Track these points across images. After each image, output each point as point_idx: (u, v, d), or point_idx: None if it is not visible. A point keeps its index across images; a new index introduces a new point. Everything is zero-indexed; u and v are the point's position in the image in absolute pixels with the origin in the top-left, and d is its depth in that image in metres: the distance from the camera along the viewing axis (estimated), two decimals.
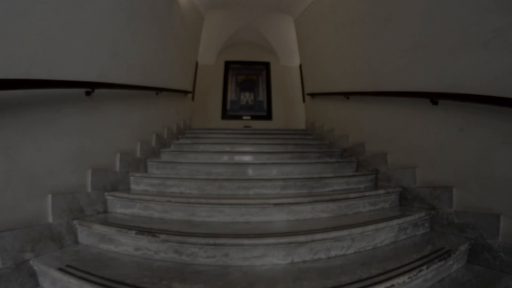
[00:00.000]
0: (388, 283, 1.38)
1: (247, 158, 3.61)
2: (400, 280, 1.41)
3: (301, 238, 1.73)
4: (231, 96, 8.69)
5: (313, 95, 5.16)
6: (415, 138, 2.64)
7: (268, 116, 8.56)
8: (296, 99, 8.50)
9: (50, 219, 1.85)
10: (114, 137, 2.75)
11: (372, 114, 3.39)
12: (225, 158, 3.64)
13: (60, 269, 1.52)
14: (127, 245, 1.85)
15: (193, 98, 5.69)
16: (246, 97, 8.74)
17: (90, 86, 2.23)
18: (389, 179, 2.92)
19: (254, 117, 8.52)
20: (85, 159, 2.28)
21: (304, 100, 5.87)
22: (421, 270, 1.52)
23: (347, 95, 3.84)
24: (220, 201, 2.28)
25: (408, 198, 2.61)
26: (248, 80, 8.88)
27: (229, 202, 2.28)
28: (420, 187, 2.50)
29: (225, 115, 8.47)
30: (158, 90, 3.66)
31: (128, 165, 2.92)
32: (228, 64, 8.92)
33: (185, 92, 4.99)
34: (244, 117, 8.48)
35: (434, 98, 2.31)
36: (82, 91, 2.21)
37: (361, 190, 2.84)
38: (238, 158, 3.64)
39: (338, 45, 4.21)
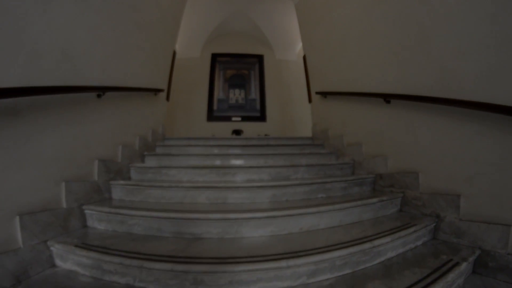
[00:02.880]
0: None
1: (240, 198, 2.39)
2: None
3: None
4: (218, 93, 7.43)
5: (324, 94, 3.95)
6: None
7: (262, 117, 7.34)
8: (294, 98, 7.35)
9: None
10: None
11: (436, 132, 2.26)
12: (206, 197, 2.39)
13: None
14: None
15: (168, 98, 4.38)
16: (236, 95, 7.50)
17: None
18: (461, 233, 1.95)
19: (245, 118, 7.29)
20: None
21: (310, 100, 4.65)
22: None
23: (387, 98, 2.65)
24: None
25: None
26: (238, 75, 7.64)
27: None
28: None
29: (211, 116, 7.20)
30: (100, 90, 2.37)
31: (38, 226, 1.74)
32: (215, 57, 7.68)
33: (155, 91, 3.70)
34: (234, 119, 7.24)
35: None
36: None
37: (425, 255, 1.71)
38: (226, 198, 2.40)
39: (368, 29, 3.02)
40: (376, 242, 1.69)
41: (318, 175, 3.02)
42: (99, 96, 2.44)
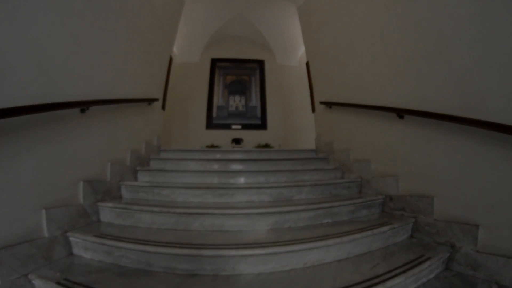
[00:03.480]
0: None
1: (238, 226, 2.17)
2: None
3: None
4: (218, 100, 7.22)
5: (329, 104, 3.73)
6: None
7: (263, 125, 7.12)
8: (296, 105, 7.13)
9: None
10: None
11: (455, 154, 2.04)
12: (200, 223, 2.17)
13: None
14: None
15: (163, 107, 4.16)
16: (236, 102, 7.30)
17: None
18: (477, 266, 1.76)
19: (245, 126, 7.07)
20: None
21: (313, 110, 4.43)
22: None
23: (401, 113, 2.43)
24: None
25: None
26: (238, 81, 7.44)
27: None
28: None
29: (210, 123, 6.98)
30: (82, 104, 2.15)
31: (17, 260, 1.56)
32: (215, 62, 7.49)
33: (148, 101, 3.48)
34: (233, 126, 7.03)
35: None
36: None
37: None
38: (223, 225, 2.17)
39: (379, 34, 2.80)
40: (389, 284, 1.49)
41: (323, 195, 2.80)
42: (82, 111, 2.22)
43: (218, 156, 3.85)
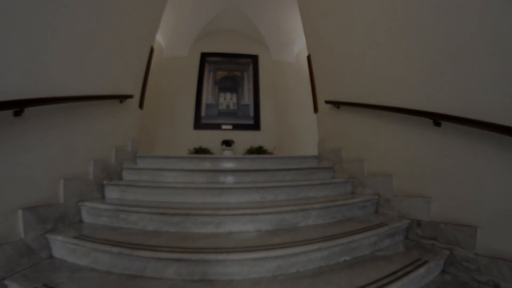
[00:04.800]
0: None
1: (228, 274, 1.56)
2: None
3: None
4: (207, 97, 6.60)
5: (337, 104, 3.15)
6: None
7: (255, 126, 6.52)
8: (293, 104, 6.59)
9: None
10: None
11: (510, 177, 1.48)
12: (175, 271, 1.56)
13: None
14: None
15: (141, 105, 3.51)
16: (227, 100, 6.69)
17: None
18: None
19: (237, 127, 6.47)
20: None
21: (316, 109, 3.82)
22: None
23: (438, 119, 1.90)
24: None
25: None
26: (230, 77, 6.84)
27: None
28: None
29: (198, 123, 6.36)
30: (15, 105, 1.54)
31: None
32: (204, 57, 6.88)
33: (120, 98, 2.85)
34: (224, 127, 6.42)
35: None
36: None
37: None
38: (206, 273, 1.56)
39: (406, 20, 2.26)
40: None
41: (335, 219, 2.24)
42: (17, 114, 1.60)
43: (203, 165, 3.24)
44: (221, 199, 2.38)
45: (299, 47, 7.03)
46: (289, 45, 7.02)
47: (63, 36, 2.04)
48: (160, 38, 6.40)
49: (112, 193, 2.58)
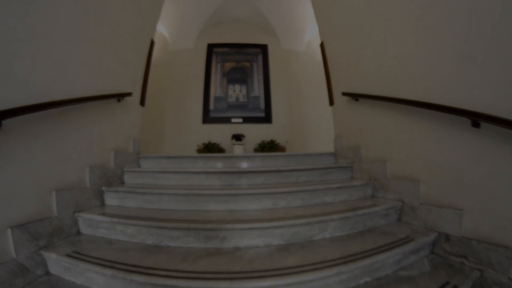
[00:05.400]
0: None
1: None
2: None
3: None
4: (215, 90, 6.35)
5: (355, 96, 2.85)
6: None
7: (267, 119, 6.25)
8: (305, 96, 6.29)
9: None
10: None
11: None
12: None
13: None
14: None
15: (142, 102, 3.29)
16: (236, 92, 6.42)
17: None
18: None
19: (247, 120, 6.21)
20: None
21: (331, 102, 3.51)
22: None
23: (478, 119, 1.62)
24: None
25: None
26: (238, 68, 6.55)
27: None
28: None
29: (207, 117, 6.14)
30: None
31: None
32: (211, 48, 6.60)
33: (117, 97, 2.64)
34: (234, 120, 6.17)
35: None
36: None
37: None
38: None
39: (435, 0, 1.92)
40: None
41: (355, 230, 1.99)
42: None
43: (209, 165, 3.03)
44: (228, 206, 2.16)
45: (310, 35, 6.66)
46: (299, 33, 6.67)
47: (43, 34, 1.82)
48: (164, 31, 6.16)
49: (112, 199, 2.41)
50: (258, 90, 6.44)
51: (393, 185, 2.35)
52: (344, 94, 3.01)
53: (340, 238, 1.86)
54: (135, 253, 1.66)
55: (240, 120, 6.20)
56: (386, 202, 2.25)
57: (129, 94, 2.81)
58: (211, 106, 6.23)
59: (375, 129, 2.65)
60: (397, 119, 2.34)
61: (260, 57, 6.62)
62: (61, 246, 1.79)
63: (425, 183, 2.06)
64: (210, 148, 5.41)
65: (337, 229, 1.90)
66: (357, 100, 2.87)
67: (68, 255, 1.64)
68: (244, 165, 3.06)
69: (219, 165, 3.04)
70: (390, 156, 2.46)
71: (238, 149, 5.39)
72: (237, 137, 5.60)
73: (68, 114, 2.04)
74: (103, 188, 2.40)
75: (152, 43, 3.43)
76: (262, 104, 6.34)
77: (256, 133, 5.97)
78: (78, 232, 2.06)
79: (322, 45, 3.68)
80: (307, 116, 6.22)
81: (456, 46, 1.78)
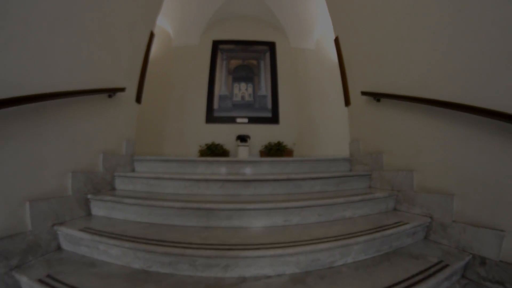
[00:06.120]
0: None
1: None
2: None
3: None
4: (220, 88, 6.04)
5: (377, 96, 2.52)
6: None
7: (274, 119, 5.93)
8: (314, 95, 5.97)
9: None
10: None
11: None
12: None
13: None
14: None
15: (138, 99, 2.97)
16: (242, 91, 6.10)
17: None
18: None
19: (253, 120, 5.89)
20: None
21: (348, 102, 3.16)
22: None
23: None
24: None
25: None
26: (244, 66, 6.23)
27: None
28: None
29: (210, 117, 5.83)
30: None
31: None
32: (217, 45, 6.29)
33: (107, 92, 2.33)
34: (239, 120, 5.86)
35: None
36: None
37: None
38: None
39: None
40: None
41: (380, 252, 1.67)
42: None
43: (210, 170, 2.72)
44: (232, 222, 1.84)
45: (319, 32, 6.34)
46: (308, 30, 6.35)
47: (18, 18, 1.52)
48: (167, 26, 5.89)
49: (98, 209, 2.11)
50: (265, 89, 6.12)
51: (420, 199, 2.03)
52: (364, 93, 2.68)
53: (364, 264, 1.54)
54: (118, 282, 1.35)
55: (246, 120, 5.88)
56: (413, 218, 1.95)
57: (121, 89, 2.51)
58: (215, 105, 5.93)
59: (400, 133, 2.31)
60: (427, 123, 2.01)
61: (267, 55, 6.30)
62: (36, 266, 1.51)
63: (460, 198, 1.75)
64: (213, 149, 5.09)
65: (361, 252, 1.58)
66: (378, 100, 2.54)
67: (40, 281, 1.35)
68: (251, 171, 2.75)
69: (223, 171, 2.73)
70: (418, 165, 2.13)
71: (243, 151, 5.06)
72: (242, 138, 5.28)
73: (46, 112, 1.74)
74: (89, 196, 2.10)
75: (151, 36, 3.13)
76: (269, 104, 6.02)
77: (262, 134, 5.66)
78: (59, 248, 1.78)
79: (336, 40, 3.35)
80: (316, 116, 5.89)
81: (501, 40, 1.45)
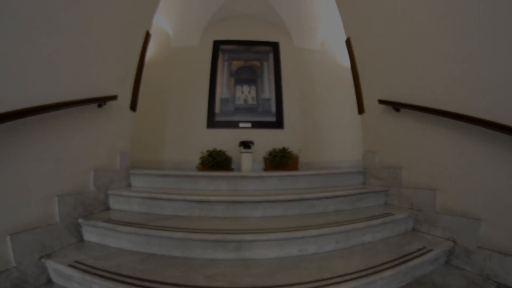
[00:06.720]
0: None
1: None
2: None
3: None
4: (221, 91, 5.80)
5: (396, 106, 2.29)
6: None
7: (278, 123, 5.69)
8: (320, 98, 5.74)
9: None
10: None
11: None
12: None
13: None
14: None
15: (133, 107, 2.73)
16: (245, 93, 5.86)
17: None
18: None
19: (256, 125, 5.65)
20: None
21: (361, 110, 2.92)
22: None
23: None
24: None
25: None
26: (247, 67, 6.00)
27: None
28: None
29: (212, 121, 5.59)
30: None
31: None
32: (218, 45, 6.05)
33: (97, 101, 2.09)
34: (242, 125, 5.62)
35: None
36: None
37: None
38: None
39: None
40: None
41: (403, 284, 1.48)
42: None
43: (213, 187, 2.48)
44: (241, 254, 1.61)
45: (325, 32, 6.11)
46: (313, 30, 6.11)
47: None
48: (166, 26, 5.66)
49: (91, 234, 1.89)
50: (268, 91, 5.88)
51: (443, 221, 1.84)
52: (381, 102, 2.44)
53: None
54: None
55: (249, 124, 5.65)
56: (435, 241, 1.78)
57: (113, 97, 2.27)
58: (217, 108, 5.69)
59: (422, 148, 2.09)
60: (455, 141, 1.80)
61: (271, 56, 6.06)
62: None
63: (488, 223, 1.57)
64: (215, 156, 4.85)
65: (384, 286, 1.36)
66: (398, 110, 2.30)
67: None
68: (258, 188, 2.51)
69: (226, 187, 2.49)
70: (441, 184, 1.92)
71: (246, 158, 4.82)
72: (246, 144, 5.04)
73: (24, 129, 1.52)
74: (79, 220, 1.87)
75: (147, 36, 2.89)
76: (273, 107, 5.78)
77: (266, 139, 5.42)
78: (49, 281, 1.57)
79: (348, 42, 3.11)
80: (322, 121, 5.66)
81: None
